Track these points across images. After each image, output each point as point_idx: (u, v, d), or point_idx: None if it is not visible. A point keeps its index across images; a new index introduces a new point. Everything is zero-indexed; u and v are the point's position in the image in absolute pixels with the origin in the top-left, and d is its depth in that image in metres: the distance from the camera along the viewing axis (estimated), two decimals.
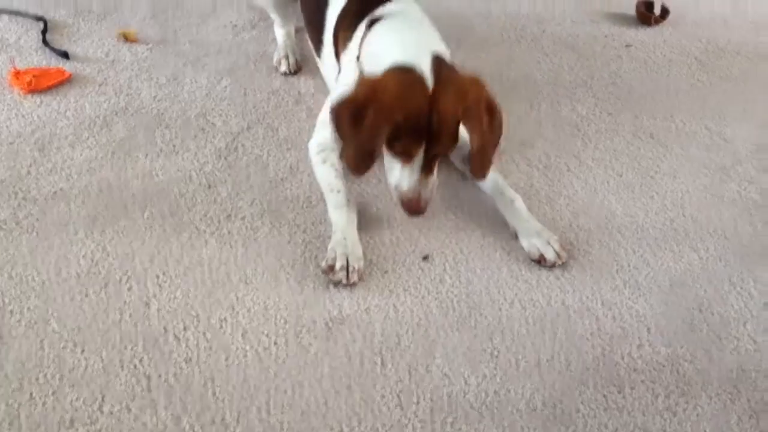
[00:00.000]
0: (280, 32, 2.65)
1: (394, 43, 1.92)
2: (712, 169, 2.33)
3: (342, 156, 1.92)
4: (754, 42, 3.04)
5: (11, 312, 1.70)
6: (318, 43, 2.34)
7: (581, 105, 2.56)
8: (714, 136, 2.47)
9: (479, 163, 1.91)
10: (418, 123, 1.79)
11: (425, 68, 1.83)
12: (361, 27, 2.07)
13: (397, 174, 1.88)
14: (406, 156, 1.84)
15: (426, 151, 1.83)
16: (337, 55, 2.19)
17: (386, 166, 1.91)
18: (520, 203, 2.02)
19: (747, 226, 2.12)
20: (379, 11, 2.07)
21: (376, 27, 2.01)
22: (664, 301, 1.87)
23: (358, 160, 1.86)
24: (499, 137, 1.93)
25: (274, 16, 2.67)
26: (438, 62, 1.86)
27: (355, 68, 2.02)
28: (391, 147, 1.85)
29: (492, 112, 1.89)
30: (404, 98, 1.79)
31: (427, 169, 1.86)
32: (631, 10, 3.12)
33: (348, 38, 2.13)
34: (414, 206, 1.88)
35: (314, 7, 2.36)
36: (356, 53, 2.04)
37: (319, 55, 2.37)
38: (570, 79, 2.70)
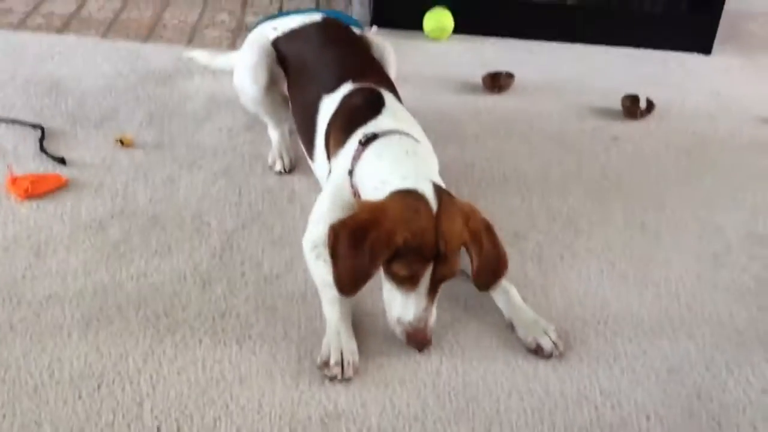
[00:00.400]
0: (274, 134, 2.71)
1: (393, 172, 1.94)
2: (704, 257, 2.34)
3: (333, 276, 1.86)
4: (739, 134, 3.11)
5: (4, 416, 1.68)
6: (309, 146, 2.39)
7: (572, 197, 2.59)
8: (705, 224, 2.50)
9: (484, 279, 1.93)
10: (423, 244, 1.78)
11: (428, 192, 1.85)
12: (354, 139, 2.11)
13: (399, 305, 1.84)
14: (411, 280, 1.81)
15: (432, 275, 1.82)
16: (329, 156, 2.24)
17: (386, 298, 1.88)
18: (514, 294, 2.02)
19: (742, 313, 2.12)
20: (373, 126, 2.11)
21: (373, 147, 2.04)
22: (663, 389, 1.85)
23: (352, 282, 1.83)
24: (505, 255, 1.95)
25: (267, 120, 2.73)
26: (438, 188, 1.89)
27: (347, 181, 2.06)
28: (393, 273, 1.82)
29: (491, 234, 1.92)
30: (409, 219, 1.80)
31: (431, 295, 1.85)
32: (617, 105, 3.20)
33: (339, 144, 2.16)
34: (422, 337, 1.84)
35: (305, 112, 2.42)
36: (348, 166, 2.07)
37: (311, 157, 2.41)
38: (560, 172, 2.75)
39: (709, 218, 2.53)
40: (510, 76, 3.32)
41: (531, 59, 3.67)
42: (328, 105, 2.29)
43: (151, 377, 1.80)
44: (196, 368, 1.83)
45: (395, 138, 2.07)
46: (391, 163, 1.99)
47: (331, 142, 2.21)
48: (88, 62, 3.25)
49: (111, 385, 1.77)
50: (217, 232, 2.29)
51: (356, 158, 2.05)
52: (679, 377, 1.89)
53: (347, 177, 2.07)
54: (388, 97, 2.25)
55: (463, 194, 2.46)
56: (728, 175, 2.80)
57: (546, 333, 1.93)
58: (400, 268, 1.80)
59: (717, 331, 2.05)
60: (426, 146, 2.16)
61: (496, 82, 3.29)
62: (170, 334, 1.93)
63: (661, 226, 2.48)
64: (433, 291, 1.84)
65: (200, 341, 1.91)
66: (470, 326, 2.00)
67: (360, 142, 2.07)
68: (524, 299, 2.03)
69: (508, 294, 2.02)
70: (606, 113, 3.18)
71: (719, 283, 2.24)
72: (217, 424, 1.70)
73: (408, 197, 1.85)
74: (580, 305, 2.11)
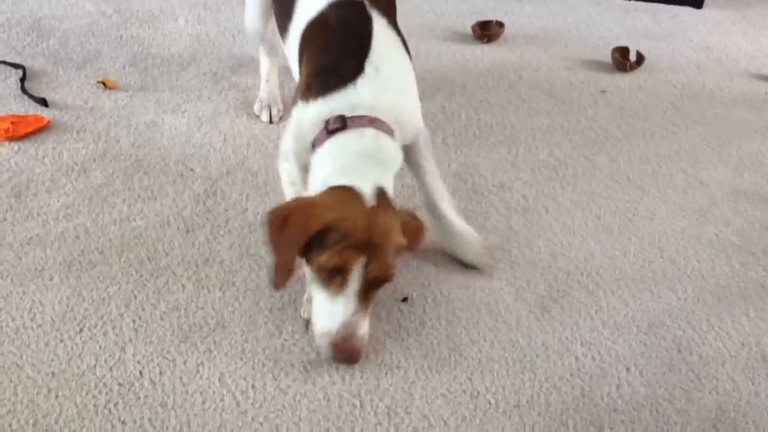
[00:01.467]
0: (264, 61, 2.60)
1: (340, 175, 1.73)
2: (689, 211, 2.34)
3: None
4: (728, 87, 3.09)
5: None
6: (284, 31, 2.18)
7: (558, 149, 2.58)
8: (690, 178, 2.50)
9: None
10: (353, 229, 1.61)
11: (366, 190, 1.68)
12: (323, 107, 1.84)
13: (325, 313, 1.64)
14: (341, 275, 1.61)
15: (364, 274, 1.62)
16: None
17: (313, 311, 1.70)
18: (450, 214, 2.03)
19: (724, 267, 2.13)
20: (347, 100, 1.83)
21: (333, 143, 1.80)
22: (643, 341, 1.87)
23: (278, 272, 1.66)
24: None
25: (263, 55, 2.62)
26: (381, 190, 1.71)
27: (310, 134, 1.88)
28: (320, 266, 1.62)
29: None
30: (335, 206, 1.64)
31: (363, 301, 1.64)
32: (607, 57, 3.17)
33: (310, 90, 1.91)
34: (349, 348, 1.62)
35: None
36: (311, 136, 1.87)
37: (284, 42, 2.20)
38: (547, 123, 2.73)
39: (694, 173, 2.53)
40: (500, 25, 3.28)
41: (521, 8, 3.62)
42: (310, 1, 2.06)
43: (134, 322, 1.79)
44: (179, 314, 1.83)
45: (360, 136, 1.80)
46: (341, 168, 1.76)
47: (304, 65, 2.00)
48: (70, 1, 3.18)
49: (93, 329, 1.76)
50: (201, 178, 2.27)
51: (319, 140, 1.84)
52: (660, 330, 1.90)
53: (309, 138, 1.89)
54: (377, 31, 1.92)
55: (449, 144, 2.47)
56: (715, 130, 2.79)
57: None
58: (327, 258, 1.61)
59: (699, 285, 2.06)
60: (409, 103, 1.96)
61: (486, 31, 3.25)
62: (153, 279, 1.92)
63: (647, 179, 2.48)
64: (365, 297, 1.65)
65: (183, 287, 1.90)
66: (454, 276, 2.00)
67: (326, 128, 1.83)
68: (509, 251, 2.03)
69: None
70: (595, 65, 3.16)
71: (703, 237, 2.24)
72: (200, 369, 1.70)
73: (341, 190, 1.69)
74: (564, 257, 2.11)
